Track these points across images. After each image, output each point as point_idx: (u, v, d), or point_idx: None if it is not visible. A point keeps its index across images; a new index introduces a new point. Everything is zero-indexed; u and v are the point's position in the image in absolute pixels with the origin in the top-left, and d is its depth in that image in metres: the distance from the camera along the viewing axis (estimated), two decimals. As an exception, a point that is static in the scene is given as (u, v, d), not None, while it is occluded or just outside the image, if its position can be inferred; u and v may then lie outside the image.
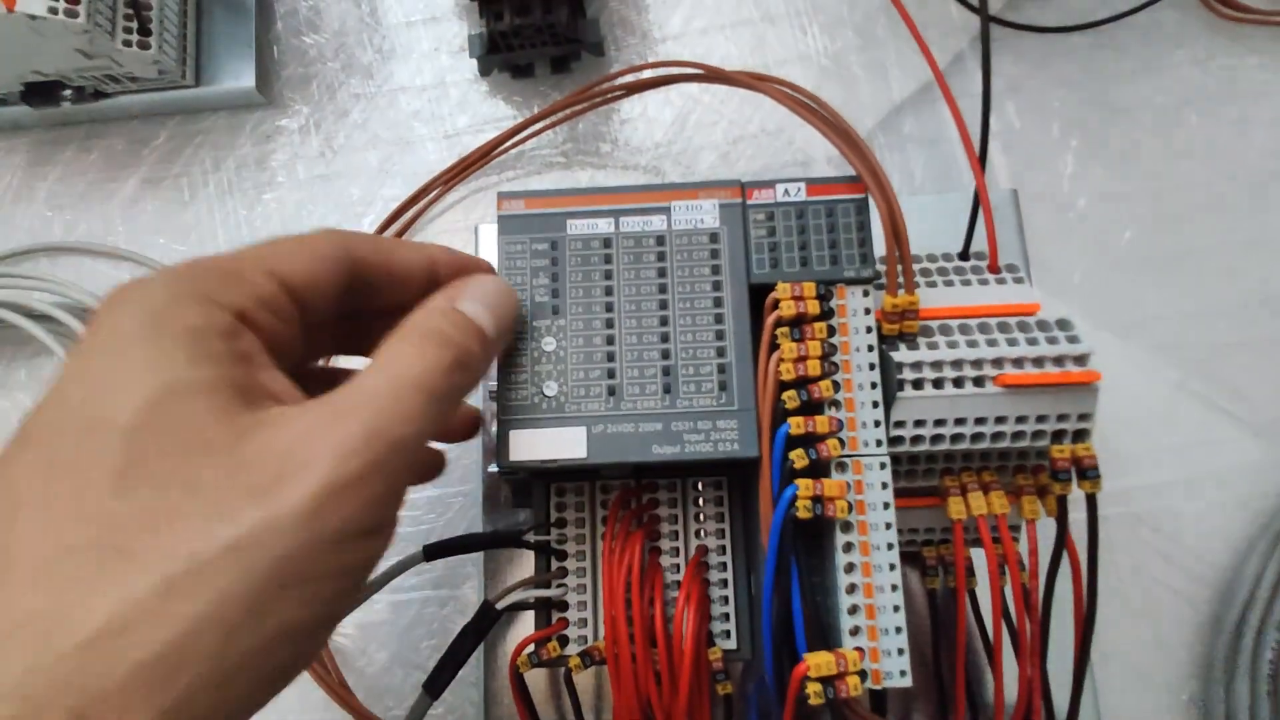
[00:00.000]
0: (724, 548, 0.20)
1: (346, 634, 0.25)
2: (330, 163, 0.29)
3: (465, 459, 0.25)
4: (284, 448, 0.12)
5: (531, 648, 0.19)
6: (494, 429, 0.19)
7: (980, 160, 0.21)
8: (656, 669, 0.18)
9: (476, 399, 0.24)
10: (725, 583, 0.20)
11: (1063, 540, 0.18)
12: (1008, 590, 0.19)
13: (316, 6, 0.29)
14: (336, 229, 0.16)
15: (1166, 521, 0.24)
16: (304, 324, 0.15)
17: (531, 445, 0.17)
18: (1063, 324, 0.18)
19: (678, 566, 0.19)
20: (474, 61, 0.27)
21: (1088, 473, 0.17)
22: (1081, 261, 0.26)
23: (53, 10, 0.24)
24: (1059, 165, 0.27)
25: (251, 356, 0.13)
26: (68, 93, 0.28)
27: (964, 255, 0.21)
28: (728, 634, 0.20)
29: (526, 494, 0.21)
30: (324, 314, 0.15)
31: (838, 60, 0.28)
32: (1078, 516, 0.17)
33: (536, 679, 0.23)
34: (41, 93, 0.27)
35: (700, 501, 0.20)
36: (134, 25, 0.26)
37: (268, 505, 0.11)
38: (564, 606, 0.20)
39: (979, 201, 0.21)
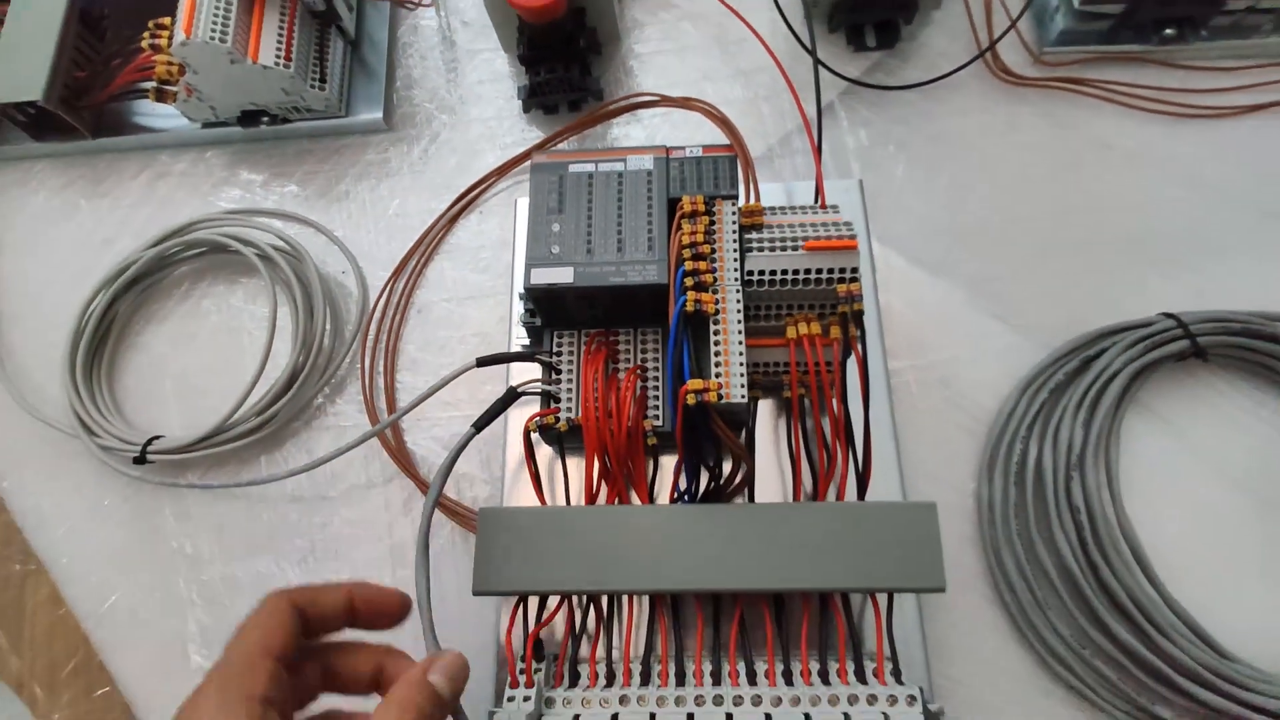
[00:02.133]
0: (659, 367, 0.33)
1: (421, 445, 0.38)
2: (424, 165, 0.44)
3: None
4: None
5: (538, 420, 0.32)
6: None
7: (818, 153, 0.36)
8: (611, 429, 0.31)
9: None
10: (657, 387, 0.33)
11: (848, 345, 0.31)
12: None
13: (423, 69, 0.46)
14: (277, 591, 0.24)
15: (955, 382, 0.37)
16: (293, 677, 0.23)
17: (543, 275, 0.31)
18: (846, 224, 0.32)
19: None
20: (519, 103, 0.44)
21: (856, 298, 0.31)
22: (904, 228, 0.40)
23: (277, 62, 0.40)
24: (892, 170, 0.42)
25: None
26: (266, 119, 0.44)
27: (815, 204, 0.36)
28: (658, 415, 0.32)
29: (539, 337, 0.34)
30: (297, 655, 0.23)
31: (752, 103, 0.44)
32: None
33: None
34: (251, 118, 0.44)
35: (644, 343, 0.34)
36: (317, 75, 0.42)
37: None
38: (557, 399, 0.33)
39: (818, 188, 0.35)
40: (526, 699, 0.27)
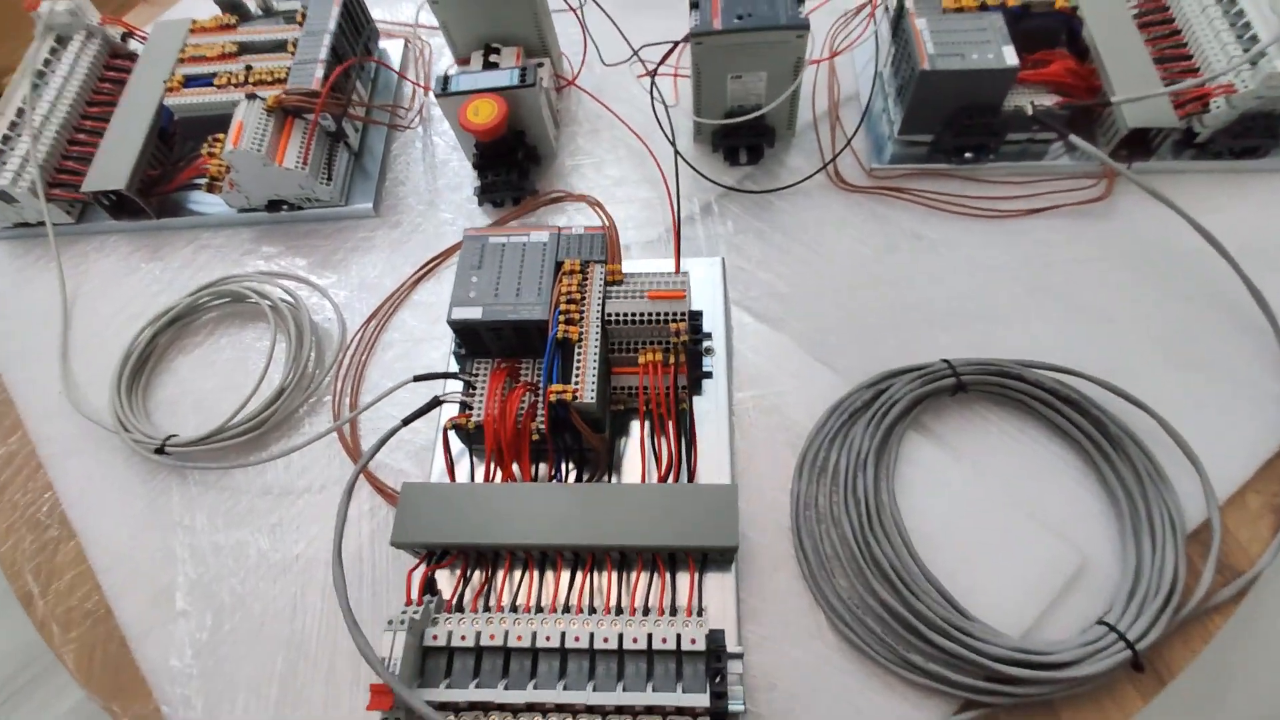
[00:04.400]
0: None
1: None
2: (401, 242, 0.58)
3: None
4: None
5: (454, 422, 0.44)
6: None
7: (677, 236, 0.49)
8: (502, 428, 0.42)
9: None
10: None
11: (677, 366, 0.42)
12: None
13: (408, 172, 0.61)
14: None
15: (784, 409, 0.48)
16: None
17: (461, 312, 0.43)
18: (682, 282, 0.44)
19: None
20: (475, 198, 0.58)
21: (682, 333, 0.42)
22: (756, 294, 0.52)
23: (297, 165, 0.55)
24: (751, 251, 0.54)
25: None
26: (286, 206, 0.59)
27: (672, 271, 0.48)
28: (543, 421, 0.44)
29: (462, 358, 0.46)
30: None
31: (651, 201, 0.57)
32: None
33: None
34: (275, 205, 0.58)
35: (537, 368, 0.45)
36: (325, 175, 0.57)
37: None
38: (470, 407, 0.44)
39: (675, 259, 0.48)
40: (415, 615, 0.37)
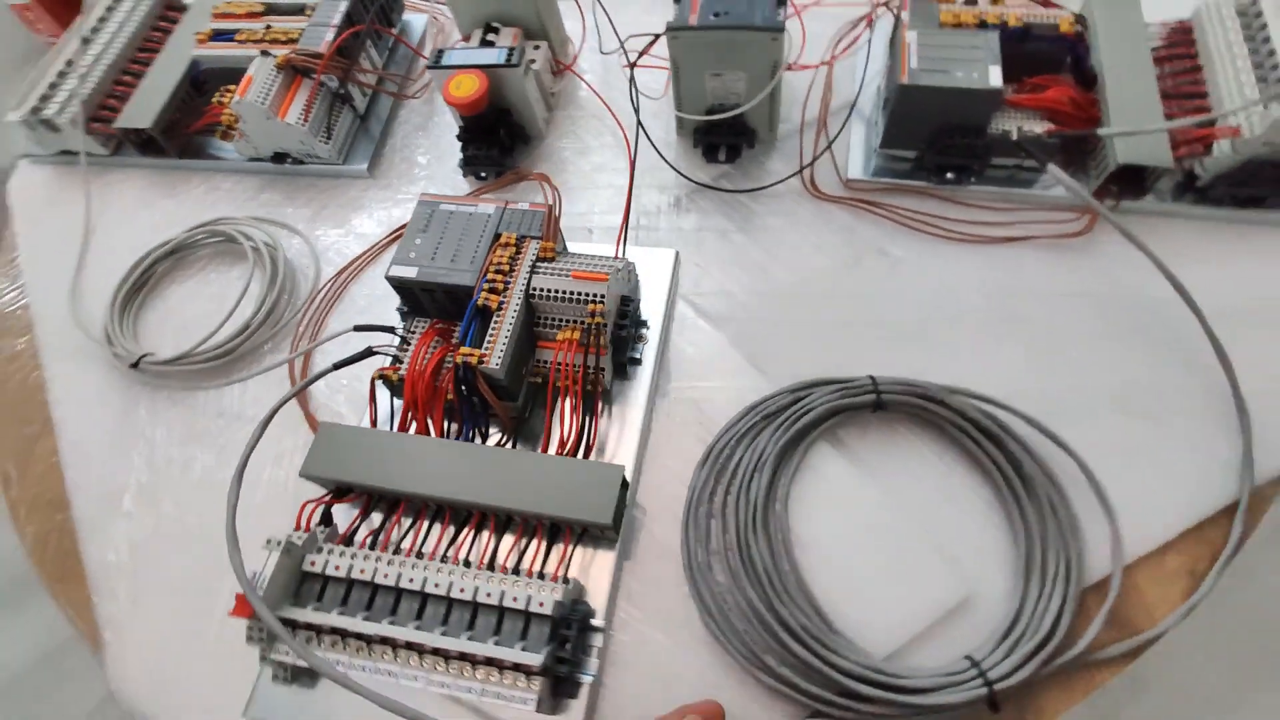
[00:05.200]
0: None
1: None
2: (387, 203, 0.61)
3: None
4: None
5: (381, 372, 0.46)
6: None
7: (624, 223, 0.50)
8: (419, 383, 0.44)
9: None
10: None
11: (593, 347, 0.43)
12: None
13: (406, 139, 0.64)
14: None
15: (706, 405, 0.48)
16: None
17: (398, 270, 0.46)
18: (605, 264, 0.45)
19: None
20: (460, 169, 0.60)
21: (598, 314, 0.43)
22: (705, 290, 0.53)
23: (298, 122, 0.58)
24: (712, 249, 0.55)
25: None
26: (289, 159, 0.63)
27: (614, 256, 0.49)
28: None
29: (405, 315, 0.49)
30: None
31: (622, 190, 0.58)
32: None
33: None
34: (280, 157, 0.63)
35: (473, 333, 0.47)
36: (325, 134, 0.60)
37: None
38: (400, 361, 0.46)
39: (618, 244, 0.49)
40: (297, 540, 0.40)
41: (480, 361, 0.42)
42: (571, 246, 0.53)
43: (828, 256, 0.53)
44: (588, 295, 0.44)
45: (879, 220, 0.55)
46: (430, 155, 0.63)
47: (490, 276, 0.45)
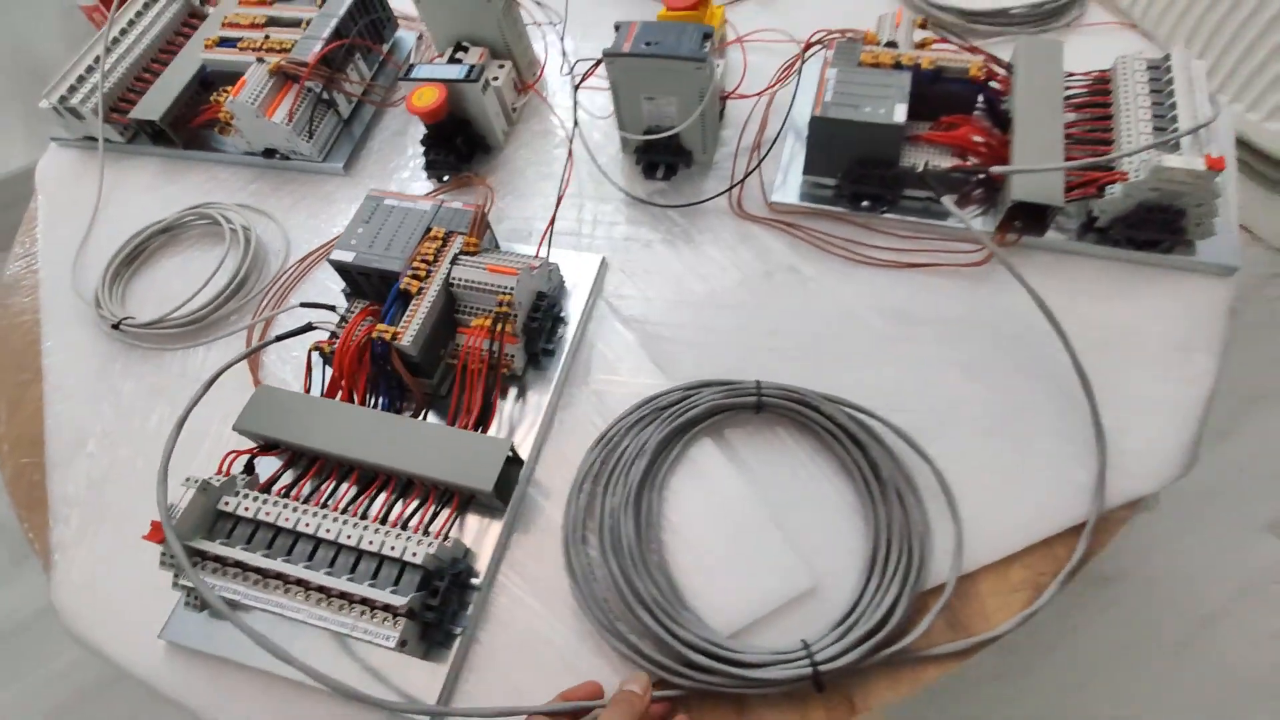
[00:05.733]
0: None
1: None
2: (357, 198, 0.67)
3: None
4: None
5: (317, 345, 0.51)
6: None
7: (549, 227, 0.55)
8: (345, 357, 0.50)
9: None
10: (394, 338, 0.51)
11: (500, 333, 0.48)
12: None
13: (382, 142, 0.70)
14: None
15: (608, 398, 0.52)
16: None
17: (338, 254, 0.51)
18: (519, 261, 0.50)
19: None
20: (424, 171, 0.66)
21: (504, 304, 0.48)
22: (627, 293, 0.57)
23: (283, 121, 0.65)
24: (639, 257, 0.59)
25: None
26: (277, 155, 0.69)
27: (535, 255, 0.54)
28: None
29: (349, 296, 0.54)
30: None
31: (574, 199, 0.63)
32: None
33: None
34: (269, 153, 0.69)
35: (404, 316, 0.53)
36: (307, 134, 0.67)
37: None
38: (337, 336, 0.52)
39: (539, 244, 0.54)
40: (216, 482, 0.45)
41: (394, 338, 0.47)
42: (514, 246, 0.58)
43: (742, 271, 0.57)
44: (498, 287, 0.49)
45: (795, 241, 0.58)
46: (401, 158, 0.69)
47: (415, 265, 0.50)
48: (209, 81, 0.73)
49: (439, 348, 0.51)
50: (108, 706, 1.07)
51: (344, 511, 0.46)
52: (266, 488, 0.47)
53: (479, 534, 0.47)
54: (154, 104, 0.70)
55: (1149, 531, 1.05)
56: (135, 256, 0.66)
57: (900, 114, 0.53)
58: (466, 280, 0.49)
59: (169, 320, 0.59)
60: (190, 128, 0.71)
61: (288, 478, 0.48)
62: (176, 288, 0.63)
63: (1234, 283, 0.52)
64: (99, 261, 0.65)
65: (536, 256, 0.53)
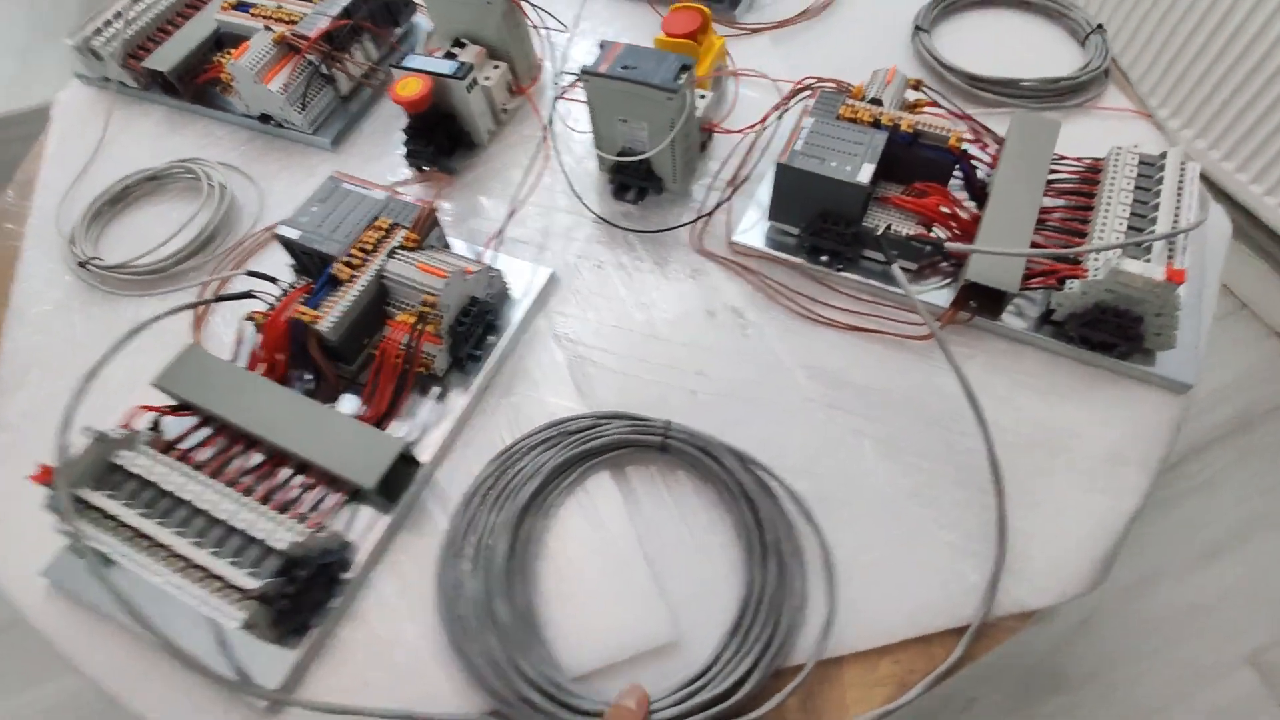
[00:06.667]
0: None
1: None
2: (342, 165, 0.68)
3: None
4: None
5: (251, 314, 0.52)
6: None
7: (496, 236, 0.55)
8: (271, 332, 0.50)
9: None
10: (323, 320, 0.52)
11: (421, 338, 0.48)
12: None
13: (375, 124, 0.71)
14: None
15: (524, 414, 0.52)
16: None
17: (284, 230, 0.52)
18: (450, 263, 0.50)
19: (310, 303, 0.52)
20: (405, 159, 0.66)
21: (426, 304, 0.48)
22: (568, 311, 0.57)
23: (278, 90, 0.66)
24: (589, 277, 0.59)
25: None
26: (272, 121, 0.71)
27: (478, 259, 0.54)
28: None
29: (297, 271, 0.55)
30: None
31: (545, 210, 0.63)
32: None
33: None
34: (265, 118, 0.71)
35: (341, 300, 0.53)
36: (300, 106, 0.68)
37: None
38: (273, 308, 0.53)
39: (483, 249, 0.54)
40: (116, 435, 0.46)
41: (313, 321, 0.48)
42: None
43: (685, 306, 0.57)
44: (425, 286, 0.49)
45: (745, 284, 0.57)
46: (389, 142, 0.70)
47: (352, 252, 0.50)
48: (222, 42, 0.75)
49: (364, 336, 0.51)
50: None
51: (233, 484, 0.46)
52: (168, 447, 0.48)
53: (367, 528, 0.47)
54: (166, 55, 0.72)
55: (1118, 639, 1.01)
56: (120, 199, 0.68)
57: (865, 174, 0.51)
58: (398, 275, 0.50)
59: (131, 266, 0.61)
60: (196, 84, 0.73)
61: (195, 439, 0.49)
62: (153, 236, 0.65)
63: (1186, 400, 0.49)
64: (86, 199, 0.67)
65: (479, 261, 0.53)
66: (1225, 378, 1.21)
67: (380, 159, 0.69)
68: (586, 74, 0.55)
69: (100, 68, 0.76)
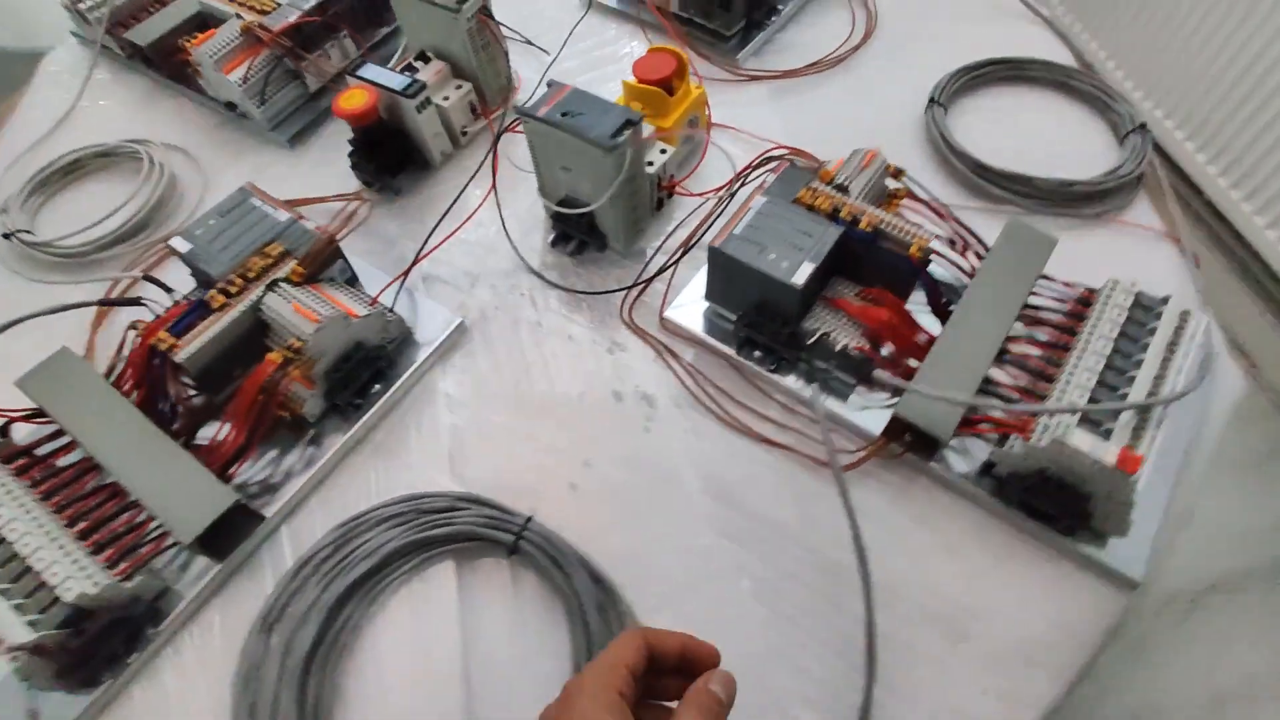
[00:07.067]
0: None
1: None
2: (289, 176, 0.65)
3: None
4: None
5: (135, 323, 0.50)
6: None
7: (401, 277, 0.50)
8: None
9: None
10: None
11: (285, 380, 0.44)
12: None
13: (336, 129, 0.68)
14: (633, 629, 0.33)
15: (390, 477, 0.48)
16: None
17: (178, 243, 0.49)
18: (326, 310, 0.46)
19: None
20: (352, 171, 0.63)
21: (294, 347, 0.44)
22: (464, 366, 0.52)
23: (237, 81, 0.64)
24: (498, 331, 0.54)
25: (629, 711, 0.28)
26: (236, 110, 0.68)
27: (374, 304, 0.50)
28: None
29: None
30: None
31: (459, 239, 0.59)
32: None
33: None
34: (230, 106, 0.69)
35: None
36: (259, 100, 0.66)
37: None
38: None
39: (379, 292, 0.50)
40: (-44, 437, 0.44)
41: (170, 349, 0.44)
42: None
43: (591, 384, 0.51)
44: (295, 329, 0.45)
45: (665, 369, 0.52)
46: (340, 150, 0.67)
47: (232, 278, 0.47)
48: (205, 23, 0.73)
49: (236, 367, 0.48)
50: None
51: (65, 508, 0.43)
52: (17, 454, 0.46)
53: (196, 578, 0.44)
54: (147, 30, 0.70)
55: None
56: (70, 172, 0.66)
57: (802, 275, 0.45)
58: (271, 310, 0.46)
59: (55, 246, 0.60)
60: (171, 61, 0.71)
61: (47, 450, 0.47)
62: (92, 216, 0.63)
63: (1126, 600, 0.42)
64: (36, 165, 0.66)
65: (373, 304, 0.49)
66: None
67: (334, 164, 0.66)
68: (521, 114, 0.51)
69: (89, 31, 0.75)
